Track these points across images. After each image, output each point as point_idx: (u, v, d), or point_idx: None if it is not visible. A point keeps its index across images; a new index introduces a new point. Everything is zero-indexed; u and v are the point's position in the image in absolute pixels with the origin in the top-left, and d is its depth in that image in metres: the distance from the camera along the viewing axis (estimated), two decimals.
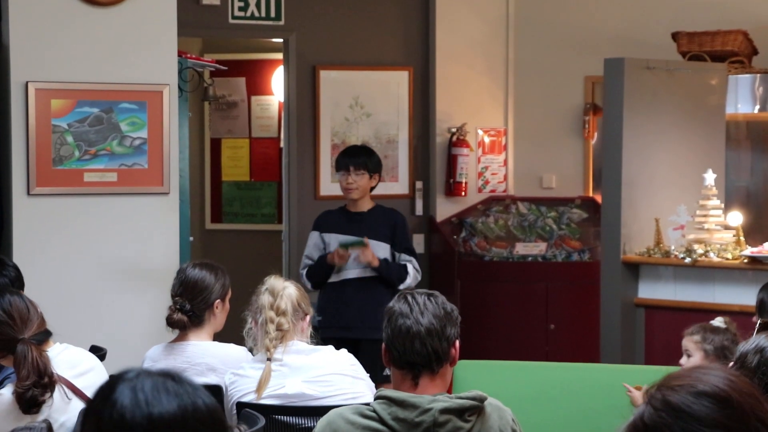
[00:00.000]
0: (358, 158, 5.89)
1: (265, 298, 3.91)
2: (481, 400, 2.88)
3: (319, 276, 5.87)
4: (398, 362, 2.91)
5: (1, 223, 5.52)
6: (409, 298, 2.95)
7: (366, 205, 5.93)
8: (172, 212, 5.58)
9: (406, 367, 2.90)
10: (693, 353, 4.30)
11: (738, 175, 7.18)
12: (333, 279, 5.85)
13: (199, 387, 1.73)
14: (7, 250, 5.41)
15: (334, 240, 5.83)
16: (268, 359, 3.84)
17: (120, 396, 1.66)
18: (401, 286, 5.73)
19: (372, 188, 5.96)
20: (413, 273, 5.84)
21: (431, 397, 2.84)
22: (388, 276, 5.80)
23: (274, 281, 3.95)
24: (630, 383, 4.32)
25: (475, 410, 2.86)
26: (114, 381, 1.70)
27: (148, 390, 1.67)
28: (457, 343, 2.95)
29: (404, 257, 5.87)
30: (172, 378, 1.70)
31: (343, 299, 5.80)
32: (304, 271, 5.91)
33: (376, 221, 5.87)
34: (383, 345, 2.95)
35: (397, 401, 2.83)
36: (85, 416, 1.72)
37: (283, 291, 3.91)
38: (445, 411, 2.81)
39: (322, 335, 5.96)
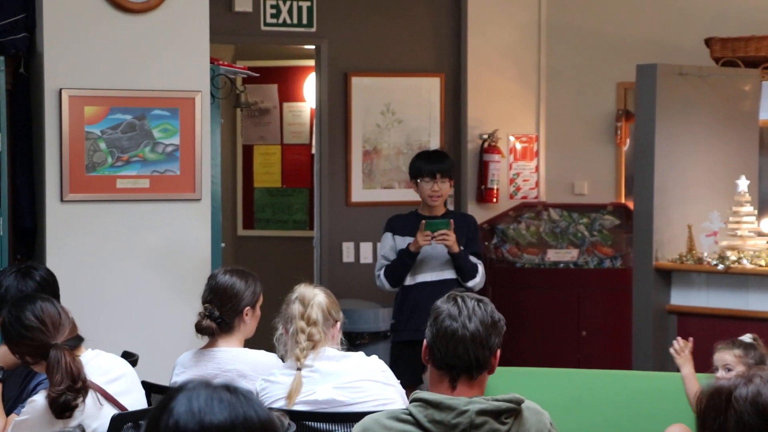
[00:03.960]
0: (443, 165, 5.82)
1: (295, 308, 3.90)
2: (518, 402, 2.87)
3: (398, 272, 5.79)
4: (438, 363, 2.90)
5: (34, 229, 5.56)
6: (459, 300, 2.94)
7: (439, 210, 5.88)
8: (203, 218, 5.60)
9: (445, 368, 2.89)
10: (734, 367, 4.17)
11: None
12: (408, 282, 5.80)
13: (255, 399, 1.84)
14: (40, 255, 5.45)
15: (407, 244, 5.75)
16: (299, 369, 3.84)
17: (176, 405, 1.80)
18: (469, 284, 5.70)
19: None
20: (481, 275, 5.80)
21: (468, 399, 2.83)
22: (463, 266, 5.72)
23: (303, 289, 3.95)
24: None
25: (512, 413, 2.85)
26: (175, 391, 1.84)
27: (202, 400, 1.80)
28: (498, 352, 2.93)
29: (473, 259, 5.81)
30: (227, 389, 1.83)
31: (418, 301, 5.66)
32: (381, 272, 5.83)
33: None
34: (425, 342, 2.94)
35: (434, 403, 2.82)
36: (147, 422, 1.87)
37: (314, 299, 3.91)
38: (482, 413, 2.80)
39: (395, 339, 5.94)
